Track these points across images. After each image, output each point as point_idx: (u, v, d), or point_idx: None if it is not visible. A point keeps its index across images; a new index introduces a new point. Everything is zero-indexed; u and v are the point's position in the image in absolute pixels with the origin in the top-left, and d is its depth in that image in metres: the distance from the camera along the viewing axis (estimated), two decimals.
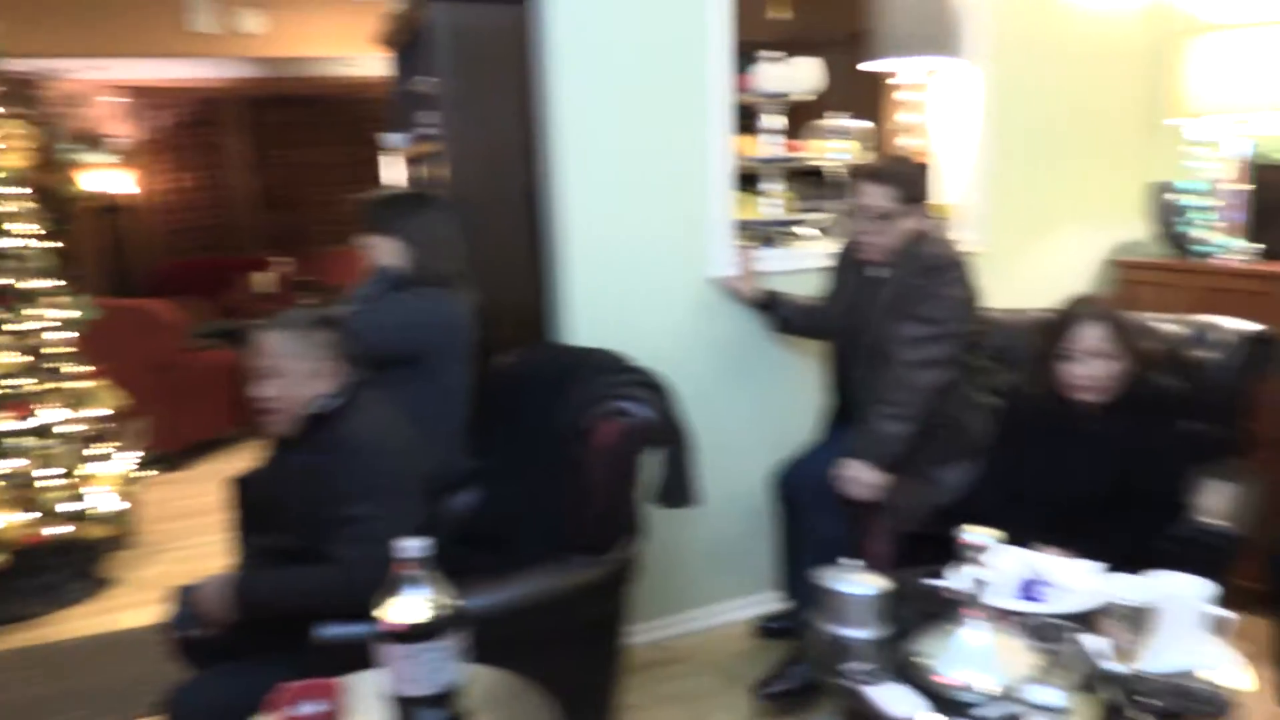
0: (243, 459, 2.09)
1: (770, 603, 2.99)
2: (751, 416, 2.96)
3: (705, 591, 2.99)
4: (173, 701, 1.81)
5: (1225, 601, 1.66)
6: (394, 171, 3.62)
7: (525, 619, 2.01)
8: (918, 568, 2.07)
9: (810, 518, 2.52)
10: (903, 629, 1.72)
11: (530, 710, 1.46)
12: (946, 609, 1.66)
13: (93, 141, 6.41)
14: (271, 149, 7.06)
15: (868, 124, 3.19)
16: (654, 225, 2.75)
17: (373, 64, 4.32)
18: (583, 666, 2.17)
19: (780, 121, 2.98)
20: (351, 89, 6.65)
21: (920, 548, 2.28)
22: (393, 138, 3.44)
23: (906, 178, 2.50)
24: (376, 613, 1.29)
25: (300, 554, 1.82)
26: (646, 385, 2.20)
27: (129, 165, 6.61)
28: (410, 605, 1.26)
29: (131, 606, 3.34)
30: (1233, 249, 2.94)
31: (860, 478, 2.38)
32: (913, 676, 1.57)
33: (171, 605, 1.90)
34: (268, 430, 1.99)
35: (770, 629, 2.85)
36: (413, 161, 3.30)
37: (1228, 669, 1.56)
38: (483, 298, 2.55)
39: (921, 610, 1.77)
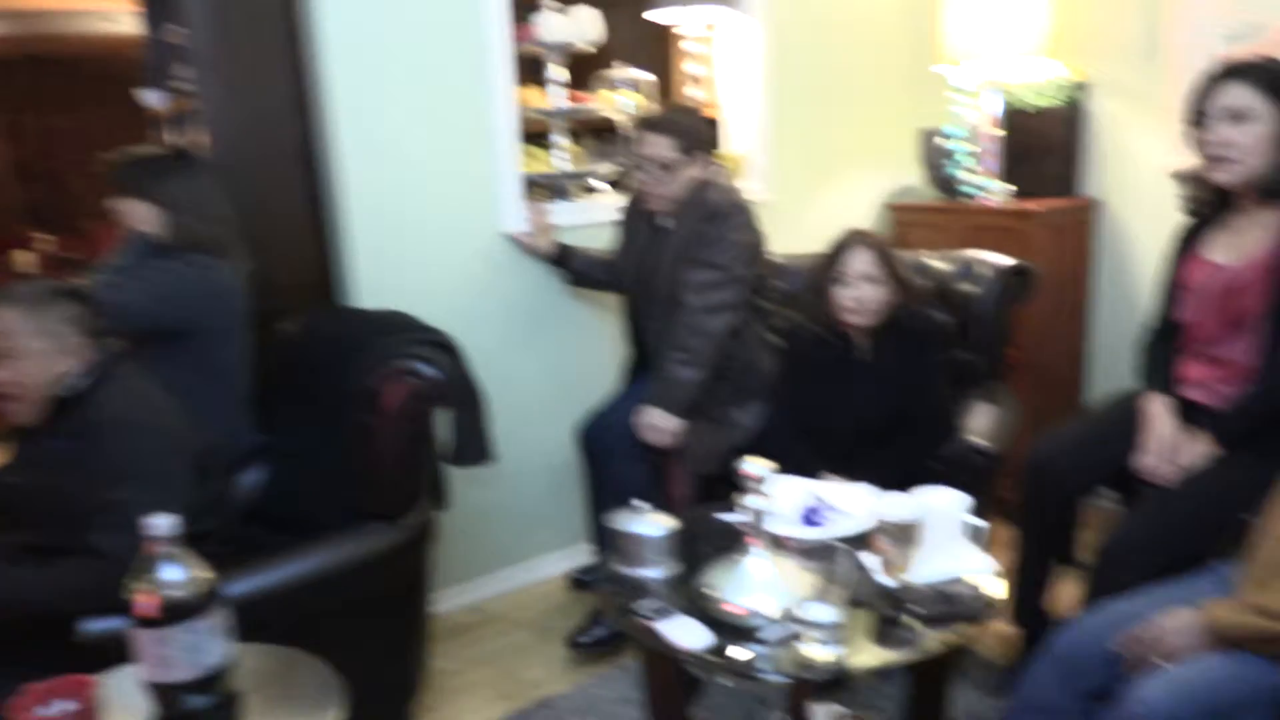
0: None
1: (582, 556, 3.01)
2: (554, 371, 2.95)
3: (518, 550, 2.98)
4: None
5: (985, 513, 1.80)
6: (159, 133, 3.35)
7: (321, 591, 1.96)
8: (714, 505, 2.14)
9: (613, 467, 2.55)
10: (698, 564, 1.77)
11: (309, 685, 1.40)
12: (736, 541, 1.72)
13: None
14: (23, 114, 6.38)
15: (650, 75, 3.20)
16: (439, 181, 2.67)
17: (130, 19, 3.96)
18: (386, 635, 2.13)
19: (564, 73, 2.94)
20: (109, 46, 6.09)
21: (721, 488, 2.36)
22: (150, 96, 3.17)
23: (688, 127, 2.53)
24: (129, 597, 1.20)
25: (52, 549, 1.67)
26: (435, 344, 2.15)
27: None
28: (162, 586, 1.17)
29: None
30: (991, 190, 3.15)
31: (658, 424, 2.42)
32: (703, 609, 1.62)
33: None
34: (10, 420, 1.80)
35: (582, 581, 2.88)
36: (171, 120, 3.06)
37: (986, 576, 1.68)
38: (258, 263, 2.41)
39: (717, 546, 1.82)
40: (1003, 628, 2.23)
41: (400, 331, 2.19)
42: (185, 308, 2.23)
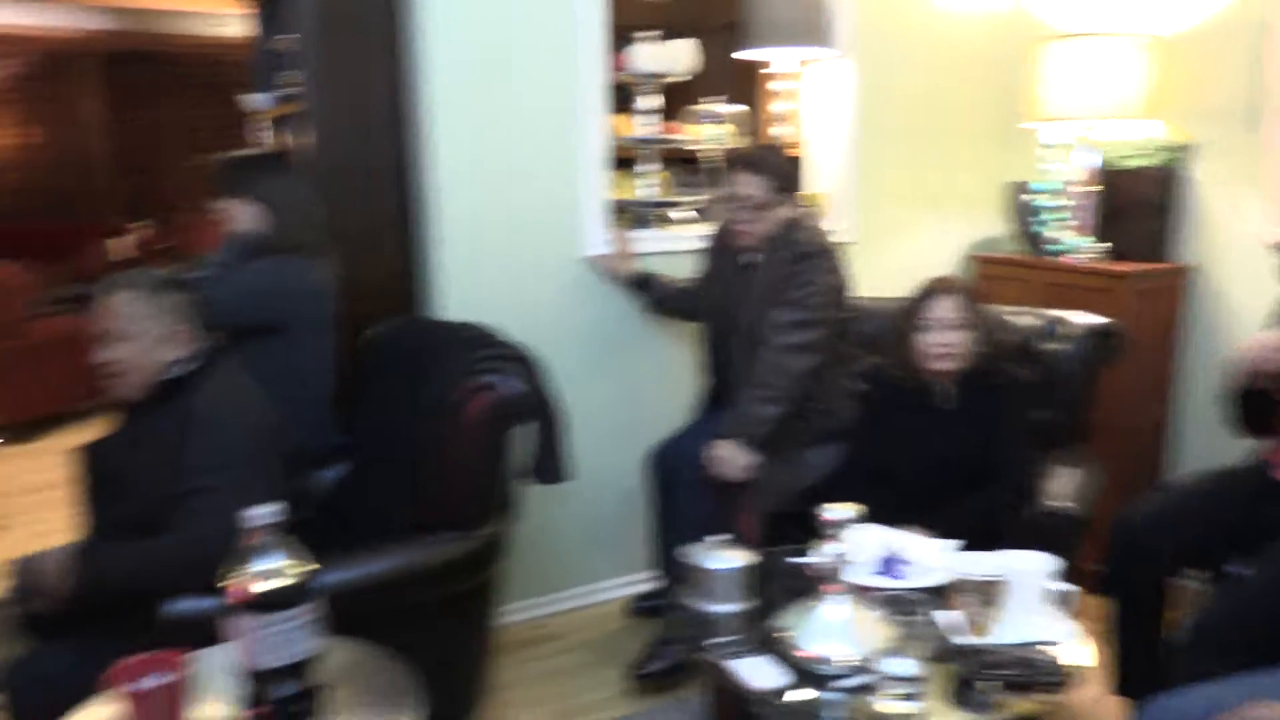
0: (92, 432, 1.96)
1: (645, 582, 3.00)
2: (626, 396, 2.96)
3: (581, 571, 2.99)
4: (11, 676, 1.69)
5: (1068, 580, 1.76)
6: (260, 135, 3.46)
7: (388, 594, 1.97)
8: (784, 546, 2.12)
9: (682, 496, 2.55)
10: (768, 604, 1.76)
11: (391, 682, 1.42)
12: (809, 585, 1.70)
13: None
14: (128, 109, 6.63)
15: (742, 109, 3.22)
16: (528, 201, 2.72)
17: (237, 23, 4.11)
18: (448, 644, 2.13)
19: (656, 102, 2.98)
20: (216, 48, 6.31)
21: (788, 527, 2.34)
22: (255, 99, 3.28)
23: (779, 167, 2.54)
24: (226, 582, 1.22)
25: (148, 526, 1.71)
26: (517, 360, 2.17)
27: None
28: (261, 574, 1.20)
29: None
30: (1081, 248, 3.10)
31: (731, 458, 2.41)
32: (776, 650, 1.60)
33: (11, 577, 1.77)
34: (113, 397, 1.87)
35: (644, 608, 2.86)
36: (275, 123, 3.16)
37: (1070, 643, 1.64)
38: (346, 268, 2.47)
39: (787, 587, 1.81)
40: (1087, 698, 2.17)
41: (484, 345, 2.22)
42: (278, 307, 2.28)
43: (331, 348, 2.42)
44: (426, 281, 2.69)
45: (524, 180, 2.70)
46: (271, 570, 1.20)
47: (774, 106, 3.21)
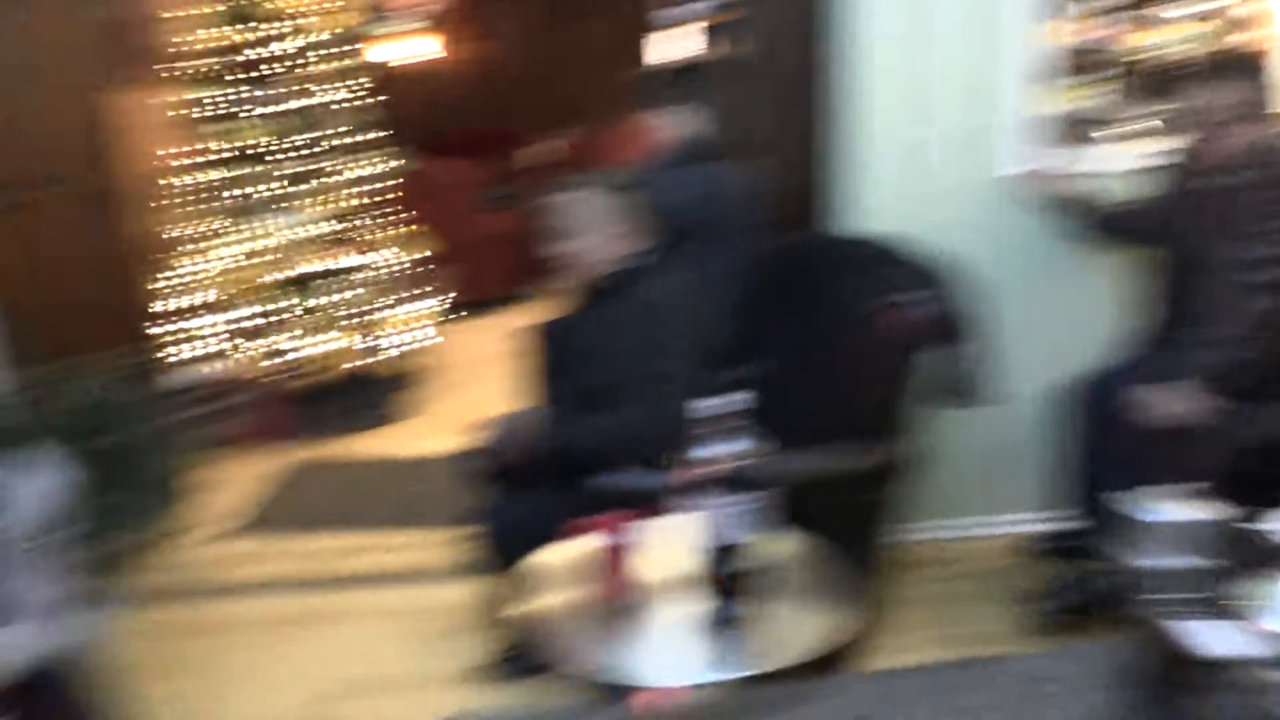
0: (532, 314, 2.20)
1: (1040, 521, 2.83)
2: (1040, 324, 2.76)
3: (980, 500, 2.88)
4: (490, 516, 1.99)
5: None
6: (665, 49, 3.58)
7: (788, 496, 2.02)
8: (1232, 506, 1.90)
9: (1115, 437, 2.35)
10: (1216, 566, 1.59)
11: (833, 574, 1.47)
12: (1269, 555, 1.52)
13: (389, 12, 6.72)
14: (554, 26, 7.19)
15: (1214, 7, 2.79)
16: (950, 114, 2.59)
17: None
18: (841, 552, 2.17)
19: (1107, 3, 2.68)
20: None
21: (1235, 486, 2.09)
22: (678, 11, 3.39)
23: (1258, 78, 2.23)
24: (686, 460, 1.33)
25: (600, 400, 1.91)
26: (932, 279, 2.11)
27: (425, 34, 6.94)
28: (730, 455, 1.29)
29: (427, 435, 3.67)
30: None
31: (1171, 402, 2.20)
32: (1229, 618, 1.45)
33: (491, 431, 2.06)
34: (563, 285, 2.07)
35: (1054, 549, 2.70)
36: (711, 32, 3.26)
37: None
38: (768, 175, 2.51)
39: (1239, 552, 1.62)
40: None
41: (896, 261, 2.18)
42: (711, 211, 2.39)
43: (749, 252, 2.49)
44: (836, 192, 2.67)
45: (943, 91, 2.58)
46: (738, 453, 1.29)
47: (1240, 7, 2.76)
